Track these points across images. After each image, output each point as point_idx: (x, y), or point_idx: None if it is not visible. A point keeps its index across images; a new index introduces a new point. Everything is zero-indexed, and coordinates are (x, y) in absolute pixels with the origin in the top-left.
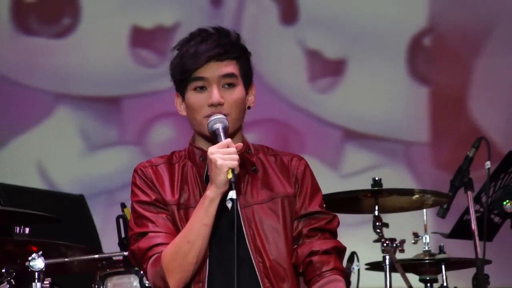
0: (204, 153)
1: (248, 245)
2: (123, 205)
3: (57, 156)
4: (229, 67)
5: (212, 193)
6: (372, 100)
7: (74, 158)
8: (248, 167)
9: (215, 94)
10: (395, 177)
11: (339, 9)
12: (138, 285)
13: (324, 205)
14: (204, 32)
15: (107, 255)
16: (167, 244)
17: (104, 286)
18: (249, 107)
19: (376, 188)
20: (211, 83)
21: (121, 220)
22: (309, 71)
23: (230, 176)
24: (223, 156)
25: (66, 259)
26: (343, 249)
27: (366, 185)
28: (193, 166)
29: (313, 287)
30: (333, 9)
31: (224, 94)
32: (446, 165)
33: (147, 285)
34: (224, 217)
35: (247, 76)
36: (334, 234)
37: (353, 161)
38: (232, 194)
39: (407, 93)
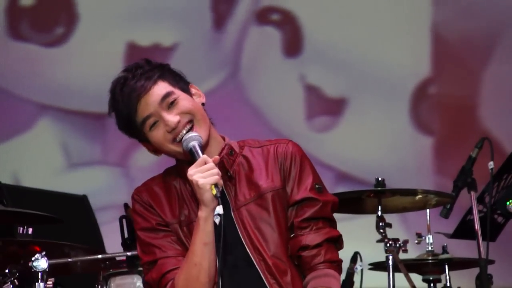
0: None
1: (246, 247)
2: (126, 206)
3: (34, 170)
4: (160, 90)
5: (204, 213)
6: (370, 144)
7: (52, 174)
8: (224, 173)
9: (168, 119)
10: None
11: (344, 47)
12: (142, 285)
13: (318, 186)
14: (119, 83)
15: (110, 255)
16: (177, 268)
17: (108, 286)
18: (203, 104)
19: (379, 189)
20: (158, 113)
21: (124, 221)
22: (307, 108)
23: (214, 192)
24: (203, 174)
25: (69, 260)
26: (337, 236)
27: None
28: (185, 182)
29: (304, 281)
30: (338, 46)
31: (174, 112)
32: None
33: None
34: (225, 228)
35: (180, 83)
36: (328, 220)
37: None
38: (219, 209)
39: (408, 140)
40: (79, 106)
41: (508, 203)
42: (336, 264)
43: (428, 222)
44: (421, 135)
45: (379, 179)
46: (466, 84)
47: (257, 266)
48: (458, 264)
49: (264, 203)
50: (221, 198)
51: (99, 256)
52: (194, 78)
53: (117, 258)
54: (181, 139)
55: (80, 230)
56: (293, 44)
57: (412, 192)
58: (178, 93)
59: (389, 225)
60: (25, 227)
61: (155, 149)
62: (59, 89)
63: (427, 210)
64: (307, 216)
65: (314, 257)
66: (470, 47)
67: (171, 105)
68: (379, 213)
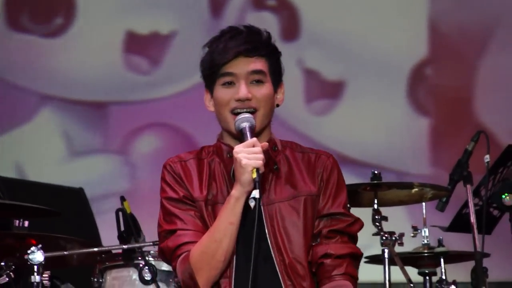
0: (231, 150)
1: (269, 243)
2: (122, 198)
3: (36, 159)
4: (258, 64)
5: (237, 193)
6: (369, 126)
7: (54, 163)
8: (271, 165)
9: (243, 89)
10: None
11: (342, 30)
12: (137, 278)
13: (349, 206)
14: (234, 30)
15: (106, 248)
16: (195, 242)
17: (104, 279)
18: (277, 105)
19: (375, 182)
20: (239, 79)
21: (120, 213)
22: (306, 92)
23: (254, 175)
24: (248, 155)
25: (65, 252)
26: (359, 255)
27: (365, 181)
28: (220, 162)
29: None
30: (336, 30)
31: (252, 90)
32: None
33: (146, 278)
34: (250, 215)
35: (276, 74)
36: (353, 238)
37: None
38: (255, 193)
39: (406, 123)
40: (80, 95)
41: (503, 196)
42: (355, 280)
43: (424, 215)
44: (418, 117)
45: (375, 172)
46: (461, 75)
47: (276, 265)
48: (453, 257)
49: (297, 205)
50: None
51: (95, 249)
52: (192, 65)
53: (113, 251)
54: (238, 113)
55: (77, 223)
56: (290, 28)
57: (408, 186)
58: (268, 80)
59: (385, 218)
60: (21, 220)
61: (213, 104)
62: (59, 79)
63: (423, 204)
64: (336, 228)
65: (336, 267)
66: (466, 38)
67: (255, 83)
68: (375, 206)
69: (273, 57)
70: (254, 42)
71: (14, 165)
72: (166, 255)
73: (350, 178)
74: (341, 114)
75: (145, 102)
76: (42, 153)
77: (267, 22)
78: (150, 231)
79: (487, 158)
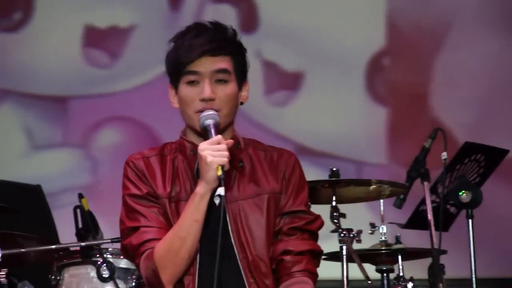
0: (195, 147)
1: (232, 240)
2: (80, 196)
3: None
4: (223, 63)
5: (202, 190)
6: (328, 116)
7: (15, 158)
8: (235, 162)
9: (207, 89)
10: None
11: (299, 21)
12: (95, 276)
13: (310, 204)
14: (200, 26)
15: (64, 245)
16: (159, 239)
17: (61, 277)
18: (242, 103)
19: (333, 179)
20: (204, 78)
21: (78, 210)
22: (265, 83)
23: (219, 172)
24: (213, 153)
25: (22, 250)
26: (319, 252)
27: (324, 176)
28: (184, 160)
29: (281, 286)
30: (293, 21)
31: (216, 89)
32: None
33: (104, 276)
34: (214, 213)
35: (241, 72)
36: (313, 235)
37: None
38: (221, 190)
39: (364, 112)
40: (40, 90)
41: (460, 193)
42: (314, 277)
43: (382, 213)
44: (375, 107)
45: (334, 169)
46: (418, 70)
47: (239, 262)
48: (411, 254)
49: (260, 203)
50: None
51: (53, 247)
52: (152, 59)
53: (71, 249)
54: (201, 111)
55: (34, 220)
56: (248, 21)
57: (366, 183)
58: (232, 79)
59: (343, 215)
60: None
61: (177, 101)
62: (20, 74)
63: (381, 201)
64: (296, 226)
65: (295, 264)
66: (422, 35)
67: (219, 82)
68: (334, 203)
69: (238, 55)
70: (219, 41)
71: None
72: (129, 252)
73: (309, 169)
74: (300, 105)
75: (105, 95)
76: (2, 149)
77: (226, 14)
78: (111, 224)
79: (444, 155)
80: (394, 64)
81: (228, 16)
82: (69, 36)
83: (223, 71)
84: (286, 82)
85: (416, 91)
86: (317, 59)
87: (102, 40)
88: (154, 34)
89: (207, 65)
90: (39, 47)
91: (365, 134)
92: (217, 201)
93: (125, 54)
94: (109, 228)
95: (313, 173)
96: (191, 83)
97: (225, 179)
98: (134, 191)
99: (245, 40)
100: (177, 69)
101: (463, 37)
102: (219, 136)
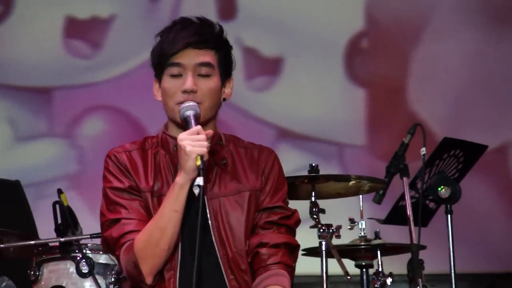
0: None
1: (213, 236)
2: (59, 191)
3: None
4: (207, 56)
5: (181, 180)
6: (308, 100)
7: (1, 150)
8: (218, 159)
9: (189, 81)
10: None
11: (277, 7)
12: (75, 271)
13: (288, 201)
14: (186, 21)
15: (43, 241)
16: (139, 231)
17: (40, 272)
18: (224, 99)
19: (313, 174)
20: (187, 70)
21: (57, 206)
22: (246, 69)
23: (198, 162)
24: (193, 143)
25: (1, 245)
26: (296, 245)
27: (303, 172)
28: (166, 155)
29: (256, 279)
30: (271, 7)
31: (199, 82)
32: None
33: (83, 271)
34: (195, 204)
35: (225, 68)
36: (290, 230)
37: (286, 161)
38: (199, 180)
39: (344, 95)
40: (23, 81)
41: (439, 189)
42: (291, 270)
43: (361, 208)
44: (354, 88)
45: (313, 164)
46: (396, 63)
47: (219, 258)
48: (390, 249)
49: (241, 200)
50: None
51: (32, 242)
52: (133, 48)
53: (50, 244)
54: (182, 103)
55: (13, 216)
56: (227, 8)
57: (346, 178)
58: (216, 74)
59: (323, 211)
60: None
61: (160, 94)
62: (2, 66)
63: (360, 196)
64: (273, 220)
65: (271, 256)
66: (400, 27)
67: (202, 76)
68: (313, 198)
69: (223, 50)
70: (204, 34)
71: None
72: (109, 244)
73: (289, 152)
74: (280, 89)
75: (88, 85)
76: None
77: (204, 2)
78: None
79: (423, 151)
80: (372, 48)
81: (207, 4)
82: (50, 27)
83: (207, 64)
84: (266, 68)
85: (393, 80)
86: (296, 44)
87: (83, 31)
88: (134, 24)
89: (191, 57)
90: (21, 40)
91: (345, 116)
92: (196, 191)
93: (106, 44)
94: (96, 214)
95: (295, 156)
96: (174, 76)
97: (204, 169)
98: (116, 184)
99: (225, 27)
100: (161, 60)
101: (441, 30)
102: (199, 126)
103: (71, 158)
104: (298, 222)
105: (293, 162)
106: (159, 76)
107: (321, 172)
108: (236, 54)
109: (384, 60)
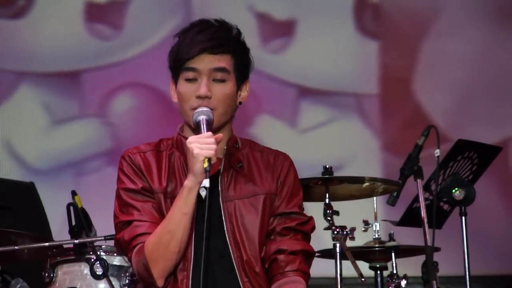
0: None
1: (227, 239)
2: (73, 193)
3: (23, 133)
4: (222, 62)
5: (190, 183)
6: (323, 57)
7: (40, 134)
8: (233, 162)
9: (203, 86)
10: (349, 129)
11: None
12: (89, 273)
13: (303, 207)
14: (204, 23)
15: (57, 243)
16: (151, 233)
17: (55, 274)
18: (240, 103)
19: (327, 176)
20: (202, 75)
21: (71, 208)
22: (260, 34)
23: (206, 165)
24: (201, 145)
25: (16, 247)
26: (312, 253)
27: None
28: (180, 156)
29: (273, 285)
30: None
31: (213, 87)
32: (393, 145)
33: (98, 273)
34: (204, 208)
35: (241, 72)
36: (306, 236)
37: (309, 117)
38: (206, 182)
39: (356, 49)
40: (52, 68)
41: (454, 191)
42: (307, 277)
43: (375, 210)
44: (366, 42)
45: (327, 166)
46: (404, 55)
47: (233, 261)
48: (404, 251)
49: (256, 203)
50: (215, 187)
51: (46, 244)
52: (152, 26)
53: (64, 246)
54: (196, 108)
55: (27, 218)
56: None
57: (360, 180)
58: (231, 78)
59: (337, 213)
60: None
61: (176, 96)
62: (32, 55)
63: (374, 198)
64: (290, 226)
65: (289, 263)
66: (410, 19)
67: (217, 81)
68: (327, 200)
69: (239, 54)
70: (220, 39)
71: (4, 143)
72: (122, 246)
73: (311, 108)
74: (297, 49)
75: (114, 65)
76: (27, 127)
77: None
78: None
79: (437, 152)
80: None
81: None
82: (72, 14)
83: (222, 69)
84: (280, 30)
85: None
86: (306, 4)
87: (103, 14)
88: (151, 3)
89: (206, 62)
90: (46, 29)
91: (358, 68)
92: (203, 193)
93: (126, 24)
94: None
95: (318, 111)
96: (189, 80)
97: (215, 184)
98: (130, 185)
99: None
100: (177, 64)
101: (450, 25)
102: (209, 133)
103: (106, 136)
104: (313, 228)
105: (317, 117)
106: (175, 78)
107: (343, 119)
108: (250, 20)
109: (394, 30)
